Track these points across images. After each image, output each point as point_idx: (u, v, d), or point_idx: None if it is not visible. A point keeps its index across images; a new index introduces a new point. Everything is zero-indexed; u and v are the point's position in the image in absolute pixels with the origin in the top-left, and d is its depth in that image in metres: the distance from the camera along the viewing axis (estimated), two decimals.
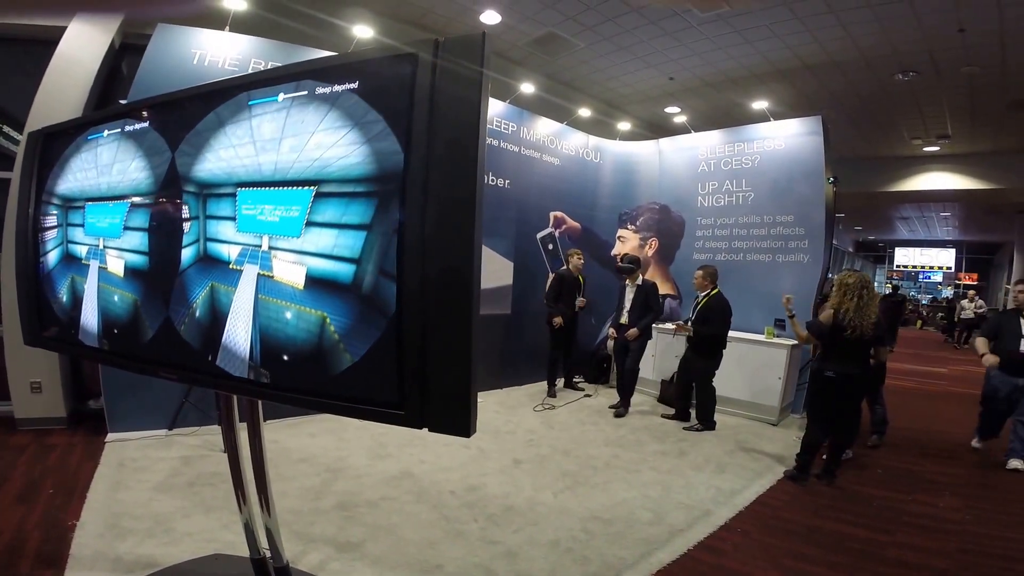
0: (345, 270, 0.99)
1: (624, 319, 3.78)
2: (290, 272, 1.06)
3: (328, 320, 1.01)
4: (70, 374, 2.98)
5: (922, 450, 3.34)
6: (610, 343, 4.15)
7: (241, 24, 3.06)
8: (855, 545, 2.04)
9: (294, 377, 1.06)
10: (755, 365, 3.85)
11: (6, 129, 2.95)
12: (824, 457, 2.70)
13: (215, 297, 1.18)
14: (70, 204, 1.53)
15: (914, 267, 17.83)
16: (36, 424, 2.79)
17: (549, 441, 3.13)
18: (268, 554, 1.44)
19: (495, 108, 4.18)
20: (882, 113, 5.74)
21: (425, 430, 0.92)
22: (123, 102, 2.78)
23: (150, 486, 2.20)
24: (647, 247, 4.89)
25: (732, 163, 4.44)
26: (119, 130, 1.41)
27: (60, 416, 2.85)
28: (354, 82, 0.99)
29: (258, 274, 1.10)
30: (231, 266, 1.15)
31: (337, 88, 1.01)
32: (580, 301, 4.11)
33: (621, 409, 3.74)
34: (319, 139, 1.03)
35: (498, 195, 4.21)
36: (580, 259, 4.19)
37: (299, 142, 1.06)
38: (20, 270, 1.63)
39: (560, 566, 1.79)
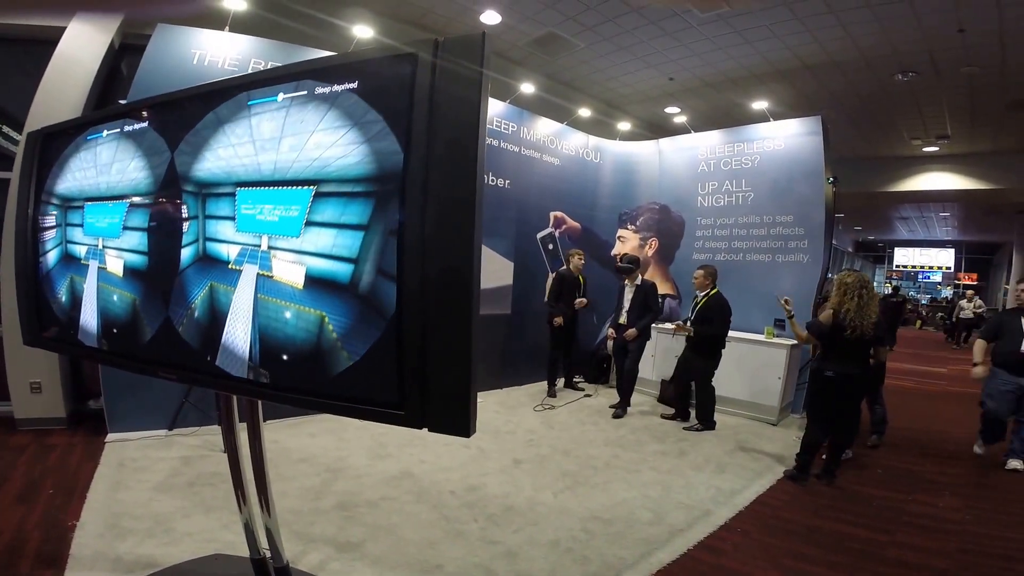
0: (345, 270, 0.99)
1: (623, 319, 3.78)
2: (289, 272, 1.06)
3: (328, 320, 1.01)
4: (70, 374, 2.98)
5: (922, 450, 3.34)
6: (610, 343, 4.15)
7: (241, 24, 3.06)
8: (855, 545, 2.04)
9: (294, 377, 1.06)
10: (755, 365, 3.85)
11: (5, 129, 2.94)
12: (824, 457, 2.70)
13: (214, 297, 1.18)
14: (69, 204, 1.53)
15: (913, 267, 17.84)
16: (36, 424, 2.79)
17: (549, 441, 3.13)
18: (268, 554, 1.44)
19: (495, 108, 4.18)
20: (882, 113, 5.74)
21: (425, 430, 0.92)
22: (123, 102, 2.77)
23: (150, 486, 2.20)
24: (647, 247, 4.89)
25: (732, 163, 4.44)
26: (118, 130, 1.41)
27: (60, 416, 2.85)
28: (354, 82, 0.99)
29: (257, 274, 1.10)
30: (230, 266, 1.15)
31: (337, 88, 1.01)
32: (580, 301, 4.12)
33: (620, 410, 3.74)
34: (318, 139, 1.03)
35: (498, 195, 4.21)
36: (580, 259, 4.19)
37: (298, 142, 1.06)
38: (20, 270, 1.63)
39: (560, 566, 1.79)
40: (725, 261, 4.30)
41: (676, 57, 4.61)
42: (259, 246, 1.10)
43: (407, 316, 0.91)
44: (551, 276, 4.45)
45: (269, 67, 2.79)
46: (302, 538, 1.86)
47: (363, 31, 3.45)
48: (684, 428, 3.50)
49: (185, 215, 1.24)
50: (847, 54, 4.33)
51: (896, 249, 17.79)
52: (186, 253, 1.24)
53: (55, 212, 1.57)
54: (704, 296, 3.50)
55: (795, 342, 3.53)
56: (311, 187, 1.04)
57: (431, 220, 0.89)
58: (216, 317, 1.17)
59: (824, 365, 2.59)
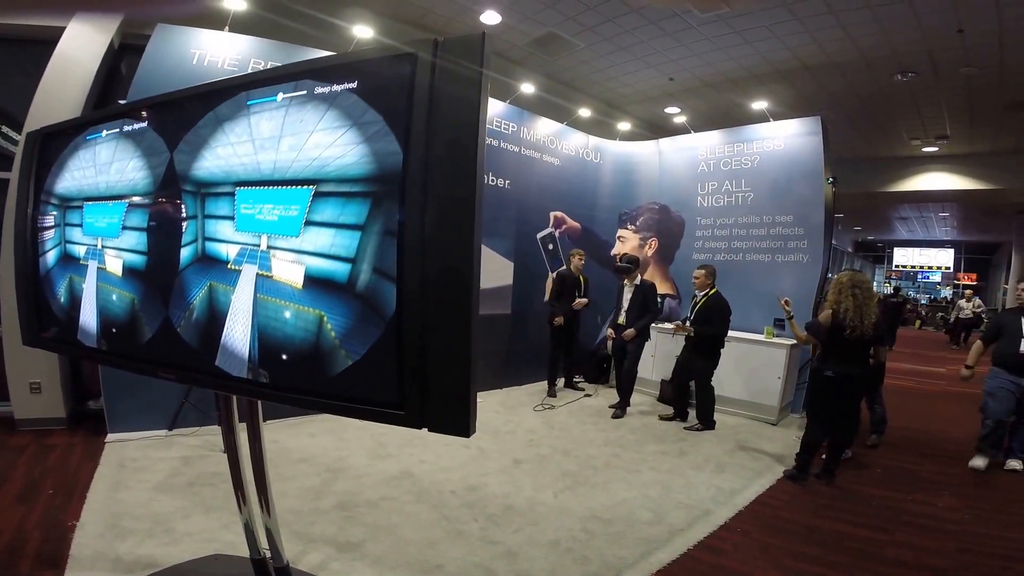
0: (344, 270, 0.99)
1: (622, 319, 3.79)
2: (289, 271, 1.06)
3: (327, 320, 1.01)
4: (70, 374, 2.98)
5: (921, 450, 3.34)
6: (609, 343, 4.15)
7: (241, 24, 3.06)
8: (854, 545, 2.04)
9: (293, 377, 1.06)
10: (755, 365, 3.86)
11: (5, 129, 2.94)
12: (823, 457, 2.71)
13: (214, 297, 1.18)
14: (69, 204, 1.53)
15: (913, 267, 17.85)
16: (36, 424, 2.79)
17: (549, 441, 3.13)
18: (268, 554, 1.44)
19: (495, 108, 4.18)
20: (881, 114, 5.74)
21: (425, 430, 0.92)
22: (122, 102, 2.77)
23: (150, 486, 2.20)
24: (647, 247, 4.90)
25: (732, 163, 4.44)
26: (118, 130, 1.41)
27: (60, 416, 2.85)
28: (353, 82, 1.00)
29: (257, 274, 1.10)
30: (229, 266, 1.15)
31: (336, 88, 1.01)
32: (579, 301, 4.12)
33: (619, 411, 3.74)
34: (318, 138, 1.03)
35: (498, 195, 4.21)
36: (581, 259, 4.19)
37: (298, 141, 1.06)
38: (19, 270, 1.63)
39: (560, 566, 1.80)
40: (725, 261, 4.30)
41: (676, 57, 4.61)
42: (258, 246, 1.10)
43: (407, 316, 0.91)
44: (551, 276, 4.45)
45: (269, 67, 2.79)
46: (302, 538, 1.86)
47: (363, 31, 3.45)
48: (684, 428, 3.51)
49: (184, 215, 1.24)
50: (847, 55, 4.34)
51: (895, 249, 17.80)
52: (185, 253, 1.24)
53: (54, 212, 1.57)
54: (704, 296, 3.50)
55: (794, 342, 3.53)
56: (310, 187, 1.04)
57: (431, 220, 0.89)
58: (215, 317, 1.17)
59: (824, 365, 2.59)
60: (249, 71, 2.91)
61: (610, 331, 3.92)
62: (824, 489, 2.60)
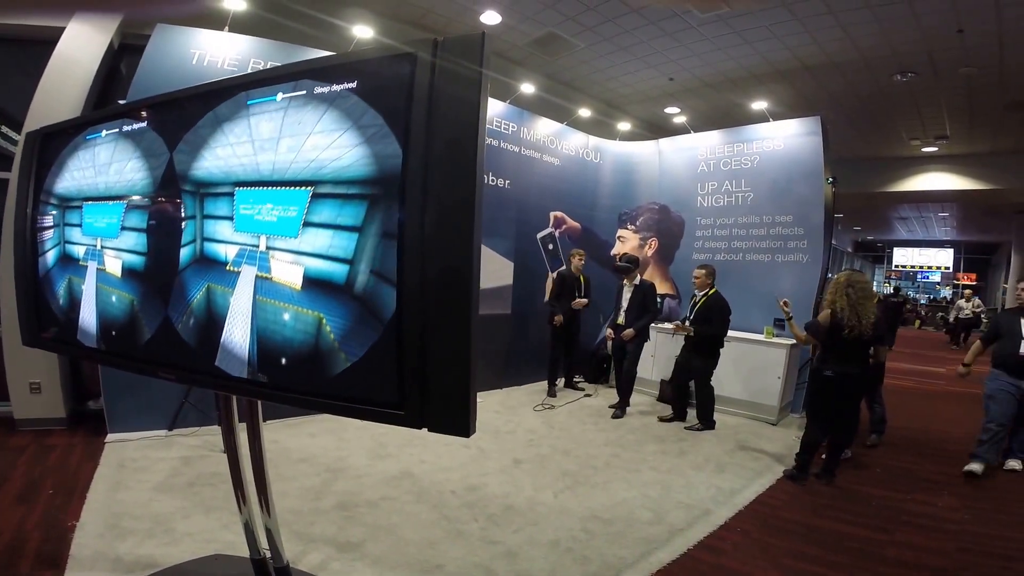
0: (344, 270, 0.99)
1: (621, 319, 3.78)
2: (288, 273, 1.06)
3: (327, 322, 1.01)
4: (69, 375, 2.98)
5: (921, 450, 3.34)
6: (609, 343, 4.15)
7: (240, 24, 3.06)
8: (854, 544, 2.04)
9: (293, 377, 1.06)
10: (754, 365, 3.86)
11: (4, 129, 2.94)
12: (823, 457, 2.71)
13: (214, 298, 1.18)
14: (68, 204, 1.53)
15: (912, 267, 17.86)
16: (36, 425, 2.78)
17: (549, 441, 3.13)
18: (268, 554, 1.44)
19: (495, 108, 4.18)
20: (881, 114, 5.75)
21: (425, 430, 0.92)
22: (122, 102, 2.77)
23: (150, 486, 2.20)
24: (647, 247, 4.90)
25: (731, 163, 4.45)
26: (117, 130, 1.41)
27: (60, 416, 2.85)
28: (353, 82, 1.00)
29: (256, 275, 1.10)
30: (228, 268, 1.15)
31: (336, 88, 1.01)
32: (579, 301, 4.11)
33: (619, 411, 3.74)
34: (317, 139, 1.03)
35: (498, 195, 4.21)
36: (581, 260, 4.20)
37: (297, 141, 1.06)
38: (19, 270, 1.63)
39: (560, 566, 1.80)
40: (725, 261, 4.30)
41: (676, 57, 4.61)
42: (257, 246, 1.10)
43: (407, 316, 0.91)
44: (551, 276, 4.45)
45: (268, 67, 2.79)
46: (302, 538, 1.86)
47: (363, 31, 3.45)
48: (684, 428, 3.51)
49: (184, 215, 1.24)
50: (846, 55, 4.34)
51: (895, 249, 17.81)
52: (185, 253, 1.24)
53: (54, 212, 1.57)
54: (703, 296, 3.50)
55: (794, 342, 3.54)
56: (310, 187, 1.04)
57: (431, 220, 0.89)
58: (215, 317, 1.17)
59: (823, 365, 2.59)
60: (249, 71, 2.91)
61: (609, 331, 3.92)
62: (824, 489, 2.61)
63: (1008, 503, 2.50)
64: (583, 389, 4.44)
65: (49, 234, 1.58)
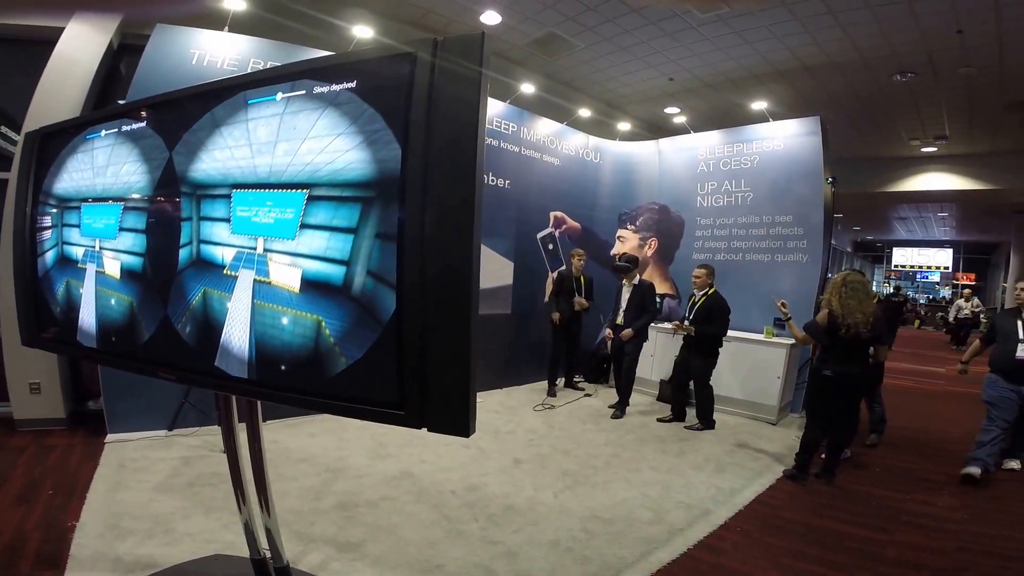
0: (343, 272, 0.99)
1: (620, 319, 3.79)
2: (286, 275, 1.06)
3: (326, 323, 1.01)
4: (69, 375, 2.98)
5: (920, 449, 3.35)
6: (609, 343, 4.15)
7: (240, 24, 3.05)
8: (854, 544, 2.04)
9: (293, 378, 1.06)
10: (754, 365, 3.86)
11: (3, 129, 2.94)
12: (823, 456, 2.71)
13: (213, 298, 1.18)
14: (67, 204, 1.53)
15: (912, 267, 17.87)
16: (35, 425, 2.78)
17: (549, 441, 3.13)
18: (268, 554, 1.44)
19: (495, 108, 4.18)
20: (880, 114, 5.75)
21: (425, 430, 0.92)
22: (121, 103, 2.77)
23: (150, 486, 2.19)
24: (646, 247, 4.90)
25: (731, 163, 4.45)
26: (116, 130, 1.41)
27: (59, 417, 2.85)
28: (352, 82, 1.00)
29: (254, 276, 1.10)
30: (225, 271, 1.15)
31: (335, 87, 1.01)
32: (578, 301, 4.11)
33: (619, 411, 3.74)
34: (317, 139, 1.03)
35: (498, 195, 4.21)
36: (580, 260, 4.19)
37: (296, 143, 1.05)
38: (18, 271, 1.63)
39: (560, 565, 1.80)
40: (724, 261, 4.31)
41: (676, 57, 4.61)
42: (255, 249, 1.10)
43: (406, 316, 0.91)
44: (551, 276, 4.45)
45: (268, 67, 2.79)
46: (302, 538, 1.86)
47: (363, 31, 3.45)
48: (684, 428, 3.51)
49: (183, 216, 1.24)
50: (846, 55, 4.34)
51: (894, 249, 17.82)
52: (184, 254, 1.24)
53: (53, 213, 1.57)
54: (703, 295, 3.51)
55: (794, 341, 3.54)
56: (308, 188, 1.04)
57: (430, 220, 0.89)
58: (215, 318, 1.17)
59: (823, 364, 2.60)
60: (249, 71, 2.91)
61: (608, 331, 3.92)
62: (824, 489, 2.61)
63: (1007, 503, 2.50)
64: (583, 389, 4.44)
65: (48, 234, 1.58)
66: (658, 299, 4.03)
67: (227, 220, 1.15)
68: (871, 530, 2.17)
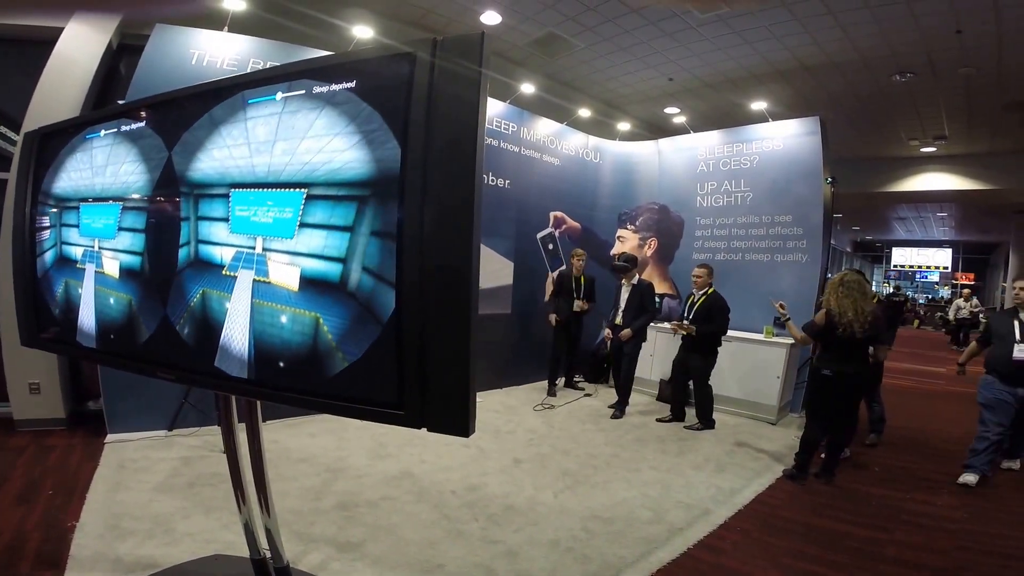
0: (342, 271, 0.99)
1: (619, 319, 3.78)
2: (286, 275, 1.06)
3: (325, 322, 1.01)
4: (69, 375, 2.97)
5: (920, 449, 3.35)
6: (608, 343, 4.15)
7: (240, 24, 3.05)
8: (854, 544, 2.04)
9: (293, 378, 1.06)
10: (754, 364, 3.86)
11: (3, 130, 2.93)
12: (823, 456, 2.71)
13: (213, 298, 1.18)
14: (67, 204, 1.53)
15: (911, 267, 17.89)
16: (35, 425, 2.78)
17: (549, 440, 3.13)
18: (268, 554, 1.44)
19: (495, 108, 4.18)
20: (880, 114, 5.75)
21: (424, 430, 0.92)
22: (121, 103, 2.77)
23: (150, 487, 2.19)
24: (646, 247, 4.90)
25: (731, 163, 4.45)
26: (116, 130, 1.41)
27: (59, 417, 2.84)
28: (352, 81, 0.99)
29: (253, 276, 1.10)
30: (225, 271, 1.15)
31: (335, 87, 1.01)
32: (579, 304, 4.11)
33: (618, 411, 3.74)
34: (315, 138, 1.03)
35: (498, 195, 4.21)
36: (580, 260, 4.19)
37: (294, 142, 1.05)
38: (17, 271, 1.63)
39: (560, 565, 1.80)
40: (724, 261, 4.31)
41: (675, 58, 4.61)
42: (254, 248, 1.10)
43: (406, 316, 0.91)
44: (551, 276, 4.45)
45: (268, 67, 2.78)
46: (302, 538, 1.86)
47: (363, 31, 3.45)
48: (684, 427, 3.51)
49: (182, 216, 1.24)
50: (845, 55, 4.34)
51: (894, 249, 17.85)
52: (184, 254, 1.24)
53: (52, 213, 1.56)
54: (703, 295, 3.51)
55: (793, 341, 3.54)
56: (307, 188, 1.03)
57: (430, 220, 0.89)
58: (214, 318, 1.17)
59: (822, 364, 2.60)
60: (248, 71, 2.90)
61: (607, 331, 3.92)
62: (823, 488, 2.61)
63: (1006, 502, 2.50)
64: (583, 389, 4.44)
65: (47, 234, 1.58)
66: (657, 299, 4.03)
67: (226, 220, 1.15)
68: (871, 529, 2.17)
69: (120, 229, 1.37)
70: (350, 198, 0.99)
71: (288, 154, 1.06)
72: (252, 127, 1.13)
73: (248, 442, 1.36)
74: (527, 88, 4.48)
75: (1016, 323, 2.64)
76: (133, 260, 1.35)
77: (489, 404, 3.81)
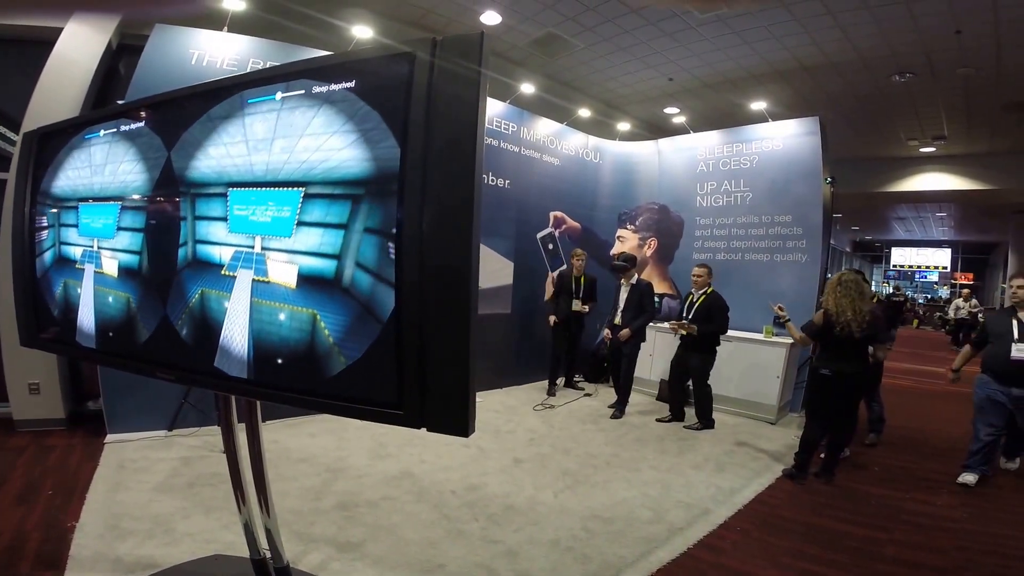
0: (342, 270, 0.99)
1: (618, 319, 3.78)
2: (285, 274, 1.06)
3: (325, 322, 1.01)
4: (68, 375, 2.97)
5: (919, 449, 3.35)
6: (607, 342, 4.15)
7: (239, 24, 3.05)
8: (853, 543, 2.05)
9: (292, 378, 1.06)
10: (753, 364, 3.86)
11: (2, 130, 2.93)
12: (822, 456, 2.71)
13: (212, 298, 1.18)
14: (66, 204, 1.53)
15: (910, 267, 17.91)
16: (35, 425, 2.78)
17: (549, 440, 3.13)
18: (268, 554, 1.44)
19: (495, 108, 4.18)
20: (879, 114, 5.76)
21: (424, 430, 0.93)
22: (120, 103, 2.77)
23: (150, 487, 2.19)
24: (646, 247, 4.90)
25: (730, 163, 4.45)
26: (115, 130, 1.41)
27: (59, 417, 2.84)
28: (351, 81, 0.99)
29: (252, 276, 1.10)
30: (224, 271, 1.15)
31: (334, 87, 1.01)
32: (579, 304, 4.11)
33: (618, 411, 3.74)
34: (314, 138, 1.03)
35: (498, 195, 4.21)
36: (580, 260, 4.19)
37: (293, 141, 1.05)
38: (17, 271, 1.63)
39: (561, 565, 1.80)
40: (724, 261, 4.31)
41: (675, 58, 4.61)
42: (252, 248, 1.10)
43: (406, 316, 0.91)
44: (551, 276, 4.45)
45: (267, 67, 2.78)
46: (302, 538, 1.86)
47: (363, 32, 3.45)
48: (684, 427, 3.51)
49: (182, 216, 1.24)
50: (845, 55, 4.35)
51: (893, 249, 17.86)
52: (183, 253, 1.24)
53: (52, 213, 1.56)
54: (702, 295, 3.51)
55: (792, 341, 3.54)
56: (306, 187, 1.04)
57: (429, 220, 0.89)
58: (214, 318, 1.17)
59: (821, 363, 2.61)
60: (248, 71, 2.90)
61: (607, 331, 3.93)
62: (823, 488, 2.61)
63: (1006, 502, 2.51)
64: (583, 389, 4.44)
65: (47, 234, 1.58)
66: (657, 299, 4.04)
67: (224, 219, 1.15)
68: (870, 529, 2.18)
69: (119, 229, 1.37)
70: (348, 198, 0.99)
71: (286, 152, 1.06)
72: (251, 127, 1.13)
73: (248, 442, 1.36)
74: (527, 88, 4.49)
75: (1015, 322, 2.60)
76: (132, 260, 1.35)
77: (489, 404, 3.81)
